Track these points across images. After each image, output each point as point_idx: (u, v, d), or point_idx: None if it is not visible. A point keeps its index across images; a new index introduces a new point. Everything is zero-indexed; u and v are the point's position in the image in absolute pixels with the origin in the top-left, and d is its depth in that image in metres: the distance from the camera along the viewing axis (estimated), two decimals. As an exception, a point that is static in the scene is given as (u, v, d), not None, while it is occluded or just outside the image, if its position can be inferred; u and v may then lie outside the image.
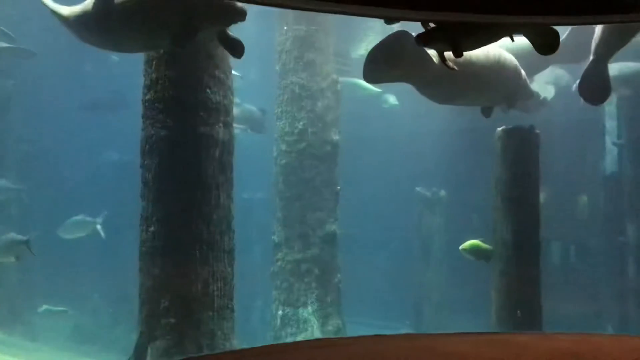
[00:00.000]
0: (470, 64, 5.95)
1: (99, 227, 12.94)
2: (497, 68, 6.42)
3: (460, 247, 8.42)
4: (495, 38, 3.89)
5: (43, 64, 14.43)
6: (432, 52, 5.46)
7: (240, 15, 4.63)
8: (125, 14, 4.85)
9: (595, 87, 6.48)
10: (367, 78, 5.82)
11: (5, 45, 12.36)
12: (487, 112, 6.91)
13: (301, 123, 9.66)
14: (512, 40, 4.01)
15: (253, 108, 13.00)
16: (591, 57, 6.36)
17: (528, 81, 7.08)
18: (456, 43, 3.61)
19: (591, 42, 6.32)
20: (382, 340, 2.38)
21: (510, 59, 6.70)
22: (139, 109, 6.06)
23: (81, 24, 5.25)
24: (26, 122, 13.96)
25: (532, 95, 7.28)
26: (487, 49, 6.06)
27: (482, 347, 2.25)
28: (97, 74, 15.33)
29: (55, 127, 16.10)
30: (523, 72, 6.92)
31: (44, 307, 12.66)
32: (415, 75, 5.83)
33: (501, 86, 6.63)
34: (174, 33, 4.81)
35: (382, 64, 5.47)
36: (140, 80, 6.00)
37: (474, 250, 8.20)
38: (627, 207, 11.07)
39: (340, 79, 11.51)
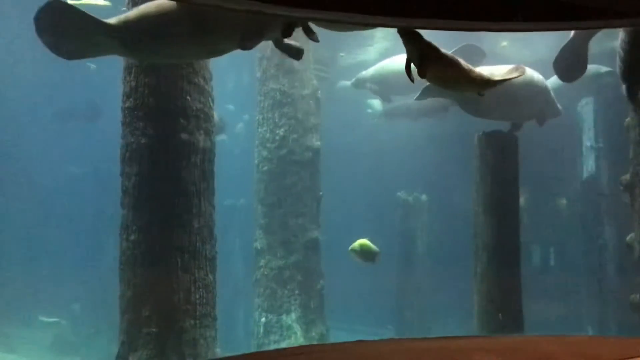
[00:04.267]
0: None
1: None
2: (528, 87, 7.43)
3: (350, 248, 8.09)
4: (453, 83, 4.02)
5: (19, 71, 14.27)
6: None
7: (302, 22, 4.67)
8: (198, 20, 4.68)
9: (569, 64, 6.65)
10: (421, 95, 7.01)
11: None
12: (516, 127, 7.71)
13: (282, 130, 9.66)
14: (482, 95, 4.18)
15: None
16: (572, 35, 6.52)
17: (555, 101, 8.02)
18: (423, 58, 3.72)
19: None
20: (365, 346, 2.38)
21: (540, 79, 7.72)
22: (111, 118, 5.98)
23: (136, 33, 4.89)
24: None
25: (559, 112, 8.18)
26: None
27: (464, 351, 2.26)
28: (73, 82, 15.21)
29: (27, 135, 15.92)
30: (551, 91, 7.90)
31: (39, 318, 12.62)
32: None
33: (531, 103, 7.62)
34: (241, 37, 4.72)
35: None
36: (115, 90, 5.95)
37: (361, 251, 7.98)
38: (605, 210, 11.22)
39: (346, 82, 11.59)
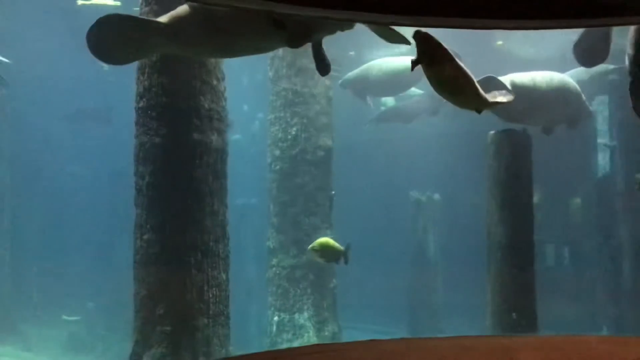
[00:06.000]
0: (536, 88, 7.04)
1: None
2: (561, 92, 7.80)
3: (309, 247, 7.53)
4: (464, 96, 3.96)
5: (37, 73, 14.39)
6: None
7: (349, 25, 4.69)
8: (247, 16, 4.66)
9: (591, 48, 6.58)
10: None
11: None
12: (547, 130, 8.10)
13: (294, 129, 9.67)
14: (479, 112, 4.14)
15: None
16: None
17: (587, 103, 8.42)
18: (432, 57, 3.70)
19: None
20: (378, 345, 2.38)
21: (573, 85, 8.07)
22: (125, 118, 6.02)
23: (187, 29, 4.89)
24: (15, 130, 13.90)
25: (591, 114, 8.70)
26: (552, 75, 7.91)
27: (478, 350, 2.25)
28: (87, 83, 15.32)
29: (43, 136, 16.06)
30: (583, 96, 8.24)
31: (62, 317, 12.87)
32: None
33: (563, 108, 7.96)
34: (290, 35, 4.73)
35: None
36: (129, 90, 5.99)
37: (322, 251, 7.42)
38: (619, 209, 11.12)
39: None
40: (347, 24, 4.65)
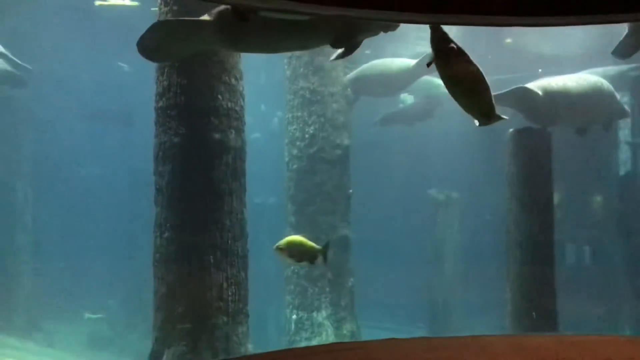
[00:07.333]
0: (569, 92, 7.37)
1: None
2: (592, 94, 7.89)
3: (274, 247, 6.48)
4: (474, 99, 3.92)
5: (57, 74, 14.56)
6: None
7: (394, 27, 4.73)
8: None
9: (627, 42, 6.59)
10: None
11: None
12: (581, 131, 8.19)
13: (312, 128, 9.68)
14: (484, 124, 4.09)
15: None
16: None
17: (622, 103, 8.54)
18: (448, 55, 3.68)
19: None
20: (397, 344, 2.38)
21: (606, 85, 8.16)
22: (145, 118, 6.07)
23: (232, 26, 4.87)
24: (36, 131, 14.07)
25: (627, 113, 8.80)
26: (584, 78, 8.05)
27: (497, 349, 2.24)
28: (107, 83, 15.45)
29: (63, 136, 16.24)
30: (617, 96, 8.34)
31: (86, 315, 13.16)
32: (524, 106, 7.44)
33: (598, 110, 8.07)
34: (336, 35, 4.76)
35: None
36: (149, 90, 6.05)
37: (290, 250, 6.41)
38: (642, 207, 10.98)
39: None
40: (391, 25, 4.66)
